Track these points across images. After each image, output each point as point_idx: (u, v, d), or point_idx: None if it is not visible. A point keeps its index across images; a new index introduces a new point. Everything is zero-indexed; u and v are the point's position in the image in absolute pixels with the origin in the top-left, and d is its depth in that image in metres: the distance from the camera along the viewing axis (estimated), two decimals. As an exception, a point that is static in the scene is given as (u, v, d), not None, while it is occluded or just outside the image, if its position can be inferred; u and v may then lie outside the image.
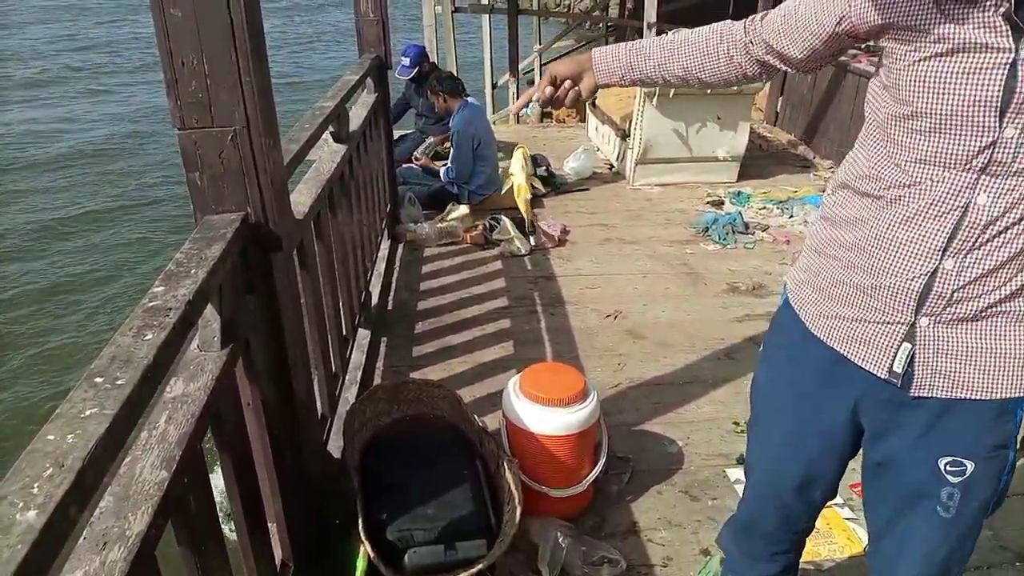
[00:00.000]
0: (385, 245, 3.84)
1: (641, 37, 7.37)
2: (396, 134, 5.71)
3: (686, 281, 3.74)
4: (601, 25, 13.75)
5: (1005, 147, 0.95)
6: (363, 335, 2.88)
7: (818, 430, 1.25)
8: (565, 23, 13.59)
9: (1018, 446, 1.13)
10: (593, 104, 6.17)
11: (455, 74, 5.00)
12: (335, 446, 2.18)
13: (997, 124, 0.95)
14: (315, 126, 2.27)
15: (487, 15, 9.35)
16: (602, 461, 2.10)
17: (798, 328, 1.24)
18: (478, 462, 2.02)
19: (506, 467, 1.90)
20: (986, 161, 0.97)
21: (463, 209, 4.23)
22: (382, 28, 3.68)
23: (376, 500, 1.87)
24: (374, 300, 3.19)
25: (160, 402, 1.25)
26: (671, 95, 4.78)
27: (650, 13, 7.25)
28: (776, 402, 1.32)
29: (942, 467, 1.12)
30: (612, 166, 5.59)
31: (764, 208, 4.71)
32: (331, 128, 2.62)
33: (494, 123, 8.29)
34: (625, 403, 2.72)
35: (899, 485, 1.18)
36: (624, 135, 5.31)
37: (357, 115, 3.22)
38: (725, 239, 4.19)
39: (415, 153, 5.16)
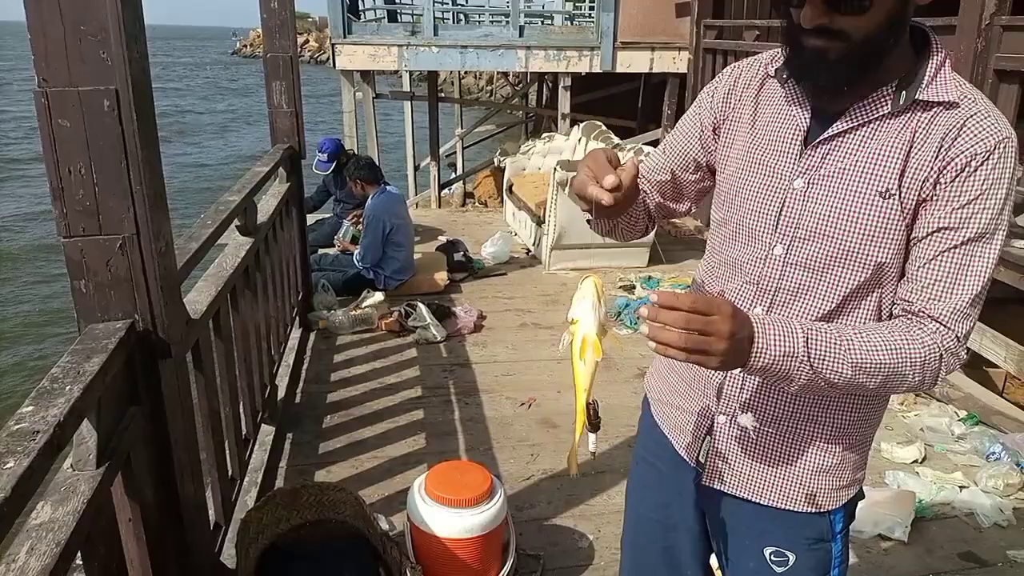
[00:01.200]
0: (296, 334, 3.77)
1: (557, 126, 7.69)
2: (313, 219, 5.72)
3: (599, 367, 3.79)
4: (520, 112, 14.27)
5: (772, 265, 1.09)
6: (267, 432, 2.78)
7: (672, 523, 1.32)
8: (486, 109, 14.03)
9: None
10: (510, 190, 6.34)
11: (374, 161, 5.07)
12: (230, 556, 2.06)
13: (771, 239, 1.09)
14: (218, 223, 2.24)
15: (408, 101, 9.60)
16: (510, 562, 2.07)
17: (648, 418, 1.35)
18: (382, 570, 1.96)
19: (408, 575, 1.84)
20: (758, 274, 1.11)
21: (378, 296, 4.21)
22: (295, 119, 3.71)
23: (271, 616, 1.78)
24: (281, 394, 3.10)
25: (23, 530, 1.17)
26: (583, 184, 4.96)
27: (564, 104, 7.58)
28: (638, 484, 1.40)
29: (767, 556, 1.20)
30: (529, 251, 5.71)
31: (674, 292, 4.87)
32: (237, 222, 2.60)
33: (416, 205, 8.40)
34: (538, 496, 2.69)
35: (737, 571, 1.26)
36: (539, 221, 5.45)
37: (267, 205, 3.21)
38: (636, 323, 4.30)
39: (335, 237, 5.15)
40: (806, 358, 0.95)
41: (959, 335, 1.00)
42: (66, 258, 1.45)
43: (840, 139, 1.04)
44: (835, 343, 0.96)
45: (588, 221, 1.17)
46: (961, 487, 2.74)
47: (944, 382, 3.54)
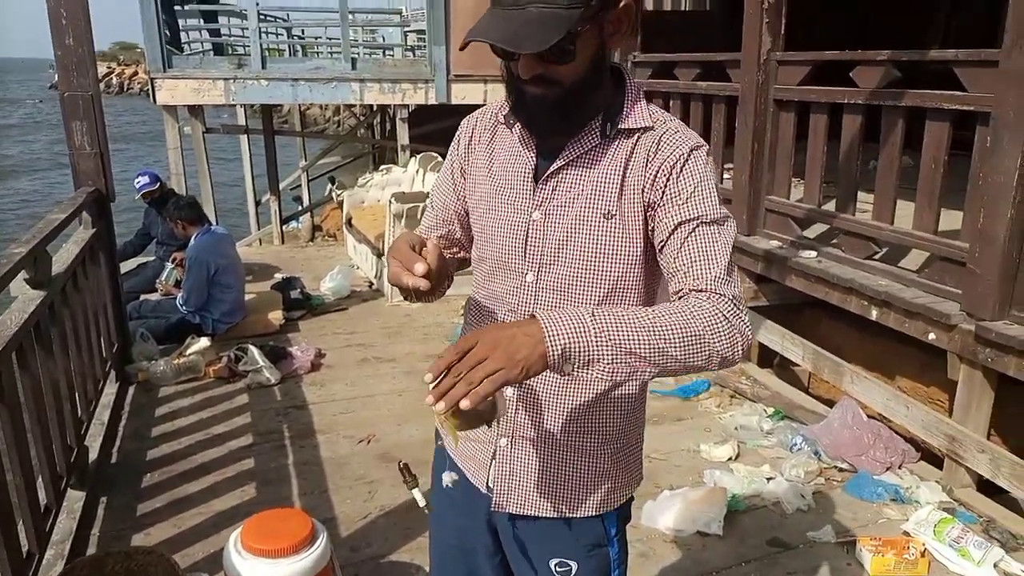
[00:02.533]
0: (112, 389, 3.51)
1: (397, 158, 7.72)
2: (134, 263, 5.38)
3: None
4: (366, 144, 14.18)
5: (526, 291, 1.19)
6: (75, 498, 2.57)
7: (470, 547, 1.38)
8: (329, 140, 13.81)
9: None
10: (350, 223, 6.28)
11: (195, 200, 4.85)
12: (24, 642, 1.88)
13: (523, 268, 1.18)
14: (-3, 277, 2.07)
15: (244, 135, 9.28)
16: (337, 607, 2.02)
17: (441, 449, 1.41)
18: (197, 632, 1.85)
19: (224, 635, 1.76)
20: (511, 306, 1.21)
21: (204, 341, 4.00)
22: (100, 160, 3.50)
23: None
24: (93, 455, 2.87)
25: None
26: (418, 215, 5.00)
27: (402, 136, 7.63)
28: (435, 520, 1.46)
29: (552, 567, 1.28)
30: (372, 283, 5.66)
31: (514, 316, 5.00)
32: (25, 275, 2.40)
33: (259, 242, 8.11)
34: (374, 534, 2.66)
35: None
36: (379, 253, 5.43)
37: (68, 253, 2.99)
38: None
39: (157, 281, 4.86)
40: (596, 329, 0.94)
41: (728, 296, 1.04)
42: None
43: (563, 172, 1.15)
44: (623, 316, 0.96)
45: (407, 299, 1.19)
46: (769, 479, 2.99)
47: (754, 382, 3.87)
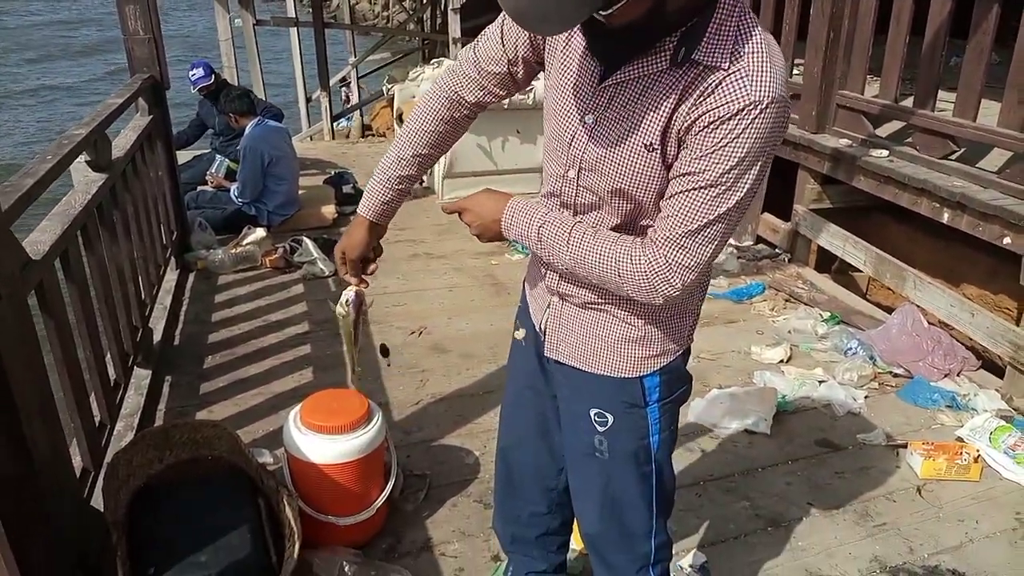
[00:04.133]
0: (172, 276, 3.62)
1: (448, 52, 7.49)
2: (189, 155, 5.43)
3: (490, 292, 3.84)
4: (416, 39, 13.80)
5: (568, 183, 1.24)
6: (142, 376, 2.69)
7: (531, 384, 1.51)
8: (380, 35, 13.49)
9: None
10: (400, 119, 6.18)
11: (248, 91, 4.82)
12: (102, 501, 2.01)
13: (565, 163, 1.22)
14: (59, 157, 2.09)
15: (295, 28, 9.10)
16: (390, 484, 2.11)
17: (523, 301, 1.53)
18: (260, 501, 1.96)
19: (285, 502, 1.85)
20: (556, 189, 1.27)
21: (260, 232, 4.07)
22: (155, 46, 3.47)
23: (144, 555, 1.76)
24: (157, 336, 2.99)
25: None
26: (470, 110, 4.89)
27: (454, 28, 7.38)
28: (512, 360, 1.59)
29: (592, 417, 1.37)
30: (422, 181, 5.62)
31: (565, 216, 4.94)
32: (86, 157, 2.43)
33: (309, 138, 8.09)
34: (426, 419, 2.74)
35: (573, 431, 1.43)
36: (430, 149, 5.36)
37: (126, 139, 3.02)
38: (525, 250, 4.34)
39: (207, 173, 4.91)
40: (536, 240, 1.22)
41: (670, 260, 1.11)
42: None
43: (623, 87, 1.10)
44: (560, 238, 1.20)
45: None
46: (820, 382, 2.95)
47: (811, 287, 3.78)
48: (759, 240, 4.38)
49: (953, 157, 3.30)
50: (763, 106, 1.00)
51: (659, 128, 1.08)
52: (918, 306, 3.29)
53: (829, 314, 3.50)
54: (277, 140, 4.44)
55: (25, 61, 18.80)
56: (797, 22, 4.03)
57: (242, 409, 2.72)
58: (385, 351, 1.45)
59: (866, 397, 2.88)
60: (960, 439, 2.60)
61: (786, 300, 3.71)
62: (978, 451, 2.49)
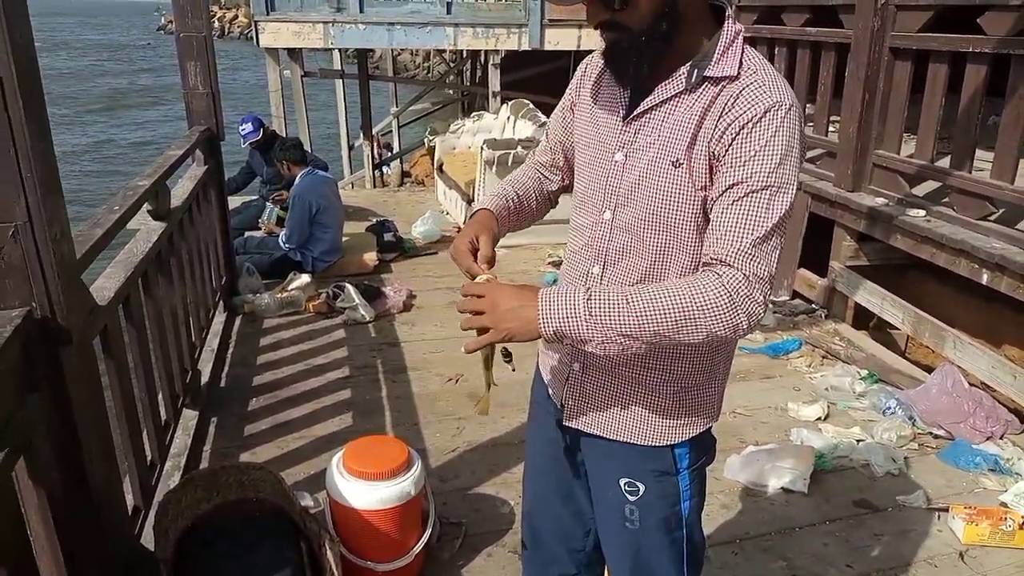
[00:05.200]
0: (220, 318, 3.74)
1: (488, 104, 7.71)
2: (238, 201, 5.63)
3: (525, 343, 3.88)
4: (456, 90, 14.17)
5: (603, 227, 1.24)
6: (190, 416, 2.78)
7: (550, 452, 1.47)
8: (420, 87, 13.88)
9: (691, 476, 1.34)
10: (441, 169, 6.36)
11: (301, 142, 5.02)
12: (151, 539, 2.08)
13: (602, 206, 1.24)
14: (126, 207, 2.23)
15: (339, 79, 9.45)
16: (428, 531, 2.14)
17: (537, 368, 1.52)
18: (302, 543, 2.01)
19: (327, 546, 1.90)
20: (588, 240, 1.27)
21: (305, 278, 4.20)
22: (212, 100, 3.66)
23: (190, 594, 1.81)
24: (204, 378, 3.09)
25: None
26: (509, 162, 5.02)
27: (494, 82, 7.60)
28: (531, 428, 1.56)
29: (622, 486, 1.34)
30: (460, 229, 5.74)
31: (601, 266, 5.00)
32: (148, 206, 2.57)
33: (351, 185, 8.33)
34: (462, 467, 2.77)
35: (602, 500, 1.40)
36: (469, 199, 5.49)
37: (183, 189, 3.17)
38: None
39: (260, 220, 5.10)
40: (587, 315, 1.07)
41: (747, 273, 1.06)
42: (-42, 246, 1.44)
43: (648, 115, 1.17)
44: (616, 301, 1.07)
45: None
46: (858, 440, 2.93)
47: (848, 343, 3.76)
48: (795, 295, 4.39)
49: (992, 218, 3.30)
50: (786, 107, 1.08)
51: (684, 145, 1.13)
52: (958, 366, 3.26)
53: (867, 372, 3.47)
54: (325, 189, 4.61)
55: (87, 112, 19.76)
56: (832, 81, 4.10)
57: (284, 452, 2.78)
58: (508, 355, 1.30)
59: (906, 458, 2.84)
60: (1004, 504, 2.56)
61: (823, 357, 3.69)
62: (1023, 518, 2.44)
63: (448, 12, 7.27)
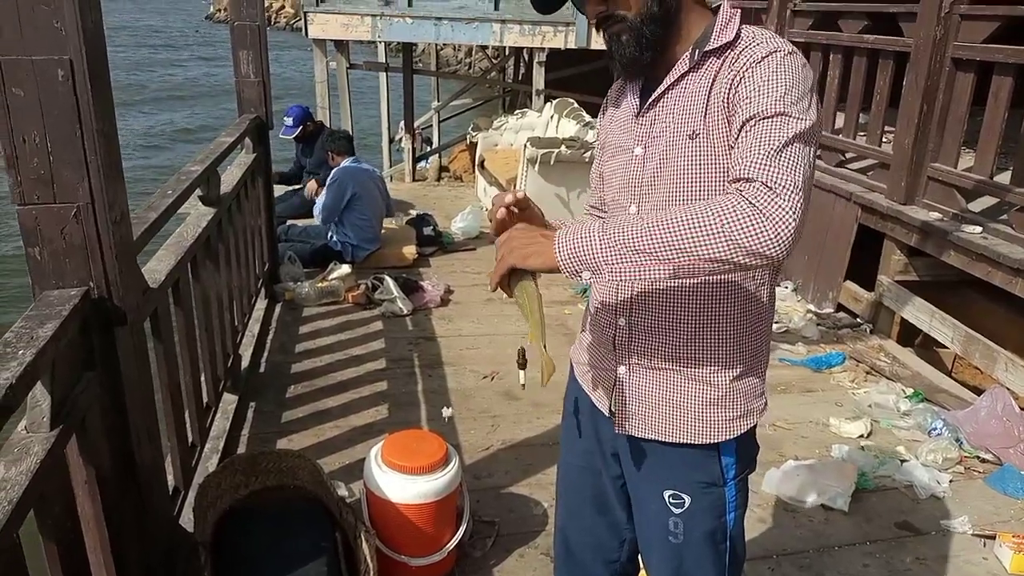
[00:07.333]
0: (261, 305, 3.78)
1: (531, 101, 7.69)
2: (282, 190, 5.70)
3: (563, 341, 3.86)
4: (498, 87, 14.17)
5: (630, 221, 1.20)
6: (229, 400, 2.82)
7: (586, 463, 1.45)
8: (463, 82, 13.90)
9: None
10: (482, 165, 6.35)
11: (350, 134, 5.08)
12: (189, 519, 2.10)
13: (627, 202, 1.25)
14: (179, 192, 2.26)
15: (384, 72, 9.50)
16: (463, 528, 2.14)
17: (572, 379, 1.50)
18: (337, 533, 2.01)
19: (363, 538, 1.90)
20: None
21: (345, 268, 4.23)
22: (263, 88, 3.69)
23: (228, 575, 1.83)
24: (244, 363, 3.12)
25: (-24, 488, 1.21)
26: (552, 161, 5.00)
27: (538, 80, 7.57)
28: (565, 440, 1.53)
29: (667, 499, 1.32)
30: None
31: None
32: (199, 192, 2.60)
33: (390, 179, 8.36)
34: (496, 466, 2.76)
35: (644, 513, 1.38)
36: (510, 197, 5.48)
37: (232, 176, 3.21)
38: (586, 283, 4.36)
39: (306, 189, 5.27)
40: (600, 235, 1.02)
41: (766, 181, 0.99)
42: (20, 225, 1.47)
43: (660, 103, 1.20)
44: (631, 222, 1.02)
45: None
46: (902, 461, 2.85)
47: (894, 360, 3.67)
48: (840, 308, 4.30)
49: (1053, 238, 3.19)
50: (786, 51, 1.10)
51: (699, 117, 1.14)
52: (1009, 389, 3.16)
53: (912, 391, 3.39)
54: (364, 179, 4.64)
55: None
56: (889, 90, 4.01)
57: (320, 440, 2.80)
58: (523, 361, 1.36)
59: (951, 481, 2.76)
60: (1054, 535, 2.47)
61: (867, 372, 3.61)
62: (1074, 550, 2.36)
63: (496, 8, 7.25)
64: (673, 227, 0.98)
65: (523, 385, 1.42)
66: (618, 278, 1.03)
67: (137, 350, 1.71)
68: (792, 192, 0.97)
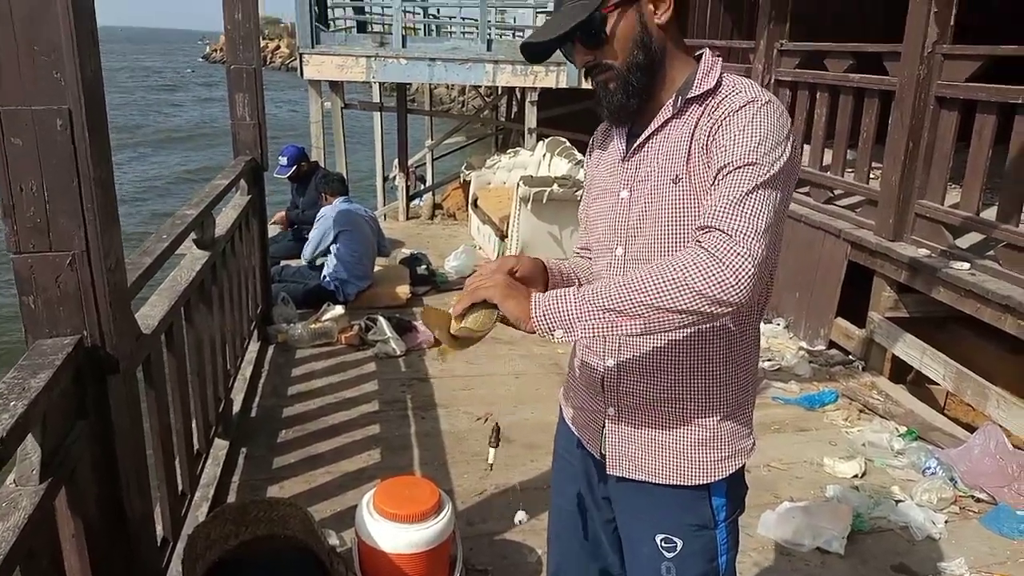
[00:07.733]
0: (254, 347, 3.77)
1: (524, 140, 7.78)
2: (274, 230, 5.72)
3: (556, 381, 3.85)
4: (491, 125, 14.34)
5: (617, 263, 1.27)
6: (220, 447, 2.79)
7: (577, 507, 1.45)
8: (456, 120, 14.06)
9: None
10: (475, 204, 6.40)
11: (344, 177, 5.13)
12: (178, 572, 2.07)
13: (613, 245, 1.27)
14: (173, 236, 2.26)
15: (378, 112, 9.61)
16: (456, 576, 2.11)
17: (562, 421, 1.49)
18: (329, 583, 1.98)
19: (355, 589, 1.88)
20: (606, 276, 1.28)
21: (338, 309, 4.23)
22: (259, 131, 3.73)
23: (216, 630, 1.80)
24: (236, 408, 3.10)
25: (-38, 546, 1.19)
26: (544, 200, 5.04)
27: (530, 119, 7.67)
28: (556, 479, 1.53)
29: (659, 543, 1.32)
30: (492, 264, 5.76)
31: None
32: (194, 235, 2.61)
33: (384, 217, 8.41)
34: (489, 511, 2.73)
35: (637, 557, 1.37)
36: (503, 235, 5.51)
37: (227, 218, 3.22)
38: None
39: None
40: (575, 297, 1.09)
41: (724, 229, 1.03)
42: (15, 273, 1.47)
43: (645, 148, 1.24)
44: (601, 287, 1.09)
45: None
46: (897, 501, 2.84)
47: (886, 398, 3.67)
48: (832, 345, 4.31)
49: (1040, 275, 3.23)
50: (763, 101, 1.14)
51: (682, 159, 1.18)
52: (1001, 426, 3.16)
53: (906, 429, 3.38)
54: (354, 218, 4.68)
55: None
56: (876, 128, 4.08)
57: (312, 486, 2.77)
58: (494, 437, 1.43)
59: (946, 522, 2.75)
60: (1052, 576, 2.45)
61: (860, 411, 3.61)
62: (1073, 592, 2.34)
63: (488, 49, 7.37)
64: (638, 284, 1.05)
65: (491, 465, 1.45)
66: (590, 334, 1.09)
67: (129, 398, 1.70)
68: (750, 238, 1.02)
